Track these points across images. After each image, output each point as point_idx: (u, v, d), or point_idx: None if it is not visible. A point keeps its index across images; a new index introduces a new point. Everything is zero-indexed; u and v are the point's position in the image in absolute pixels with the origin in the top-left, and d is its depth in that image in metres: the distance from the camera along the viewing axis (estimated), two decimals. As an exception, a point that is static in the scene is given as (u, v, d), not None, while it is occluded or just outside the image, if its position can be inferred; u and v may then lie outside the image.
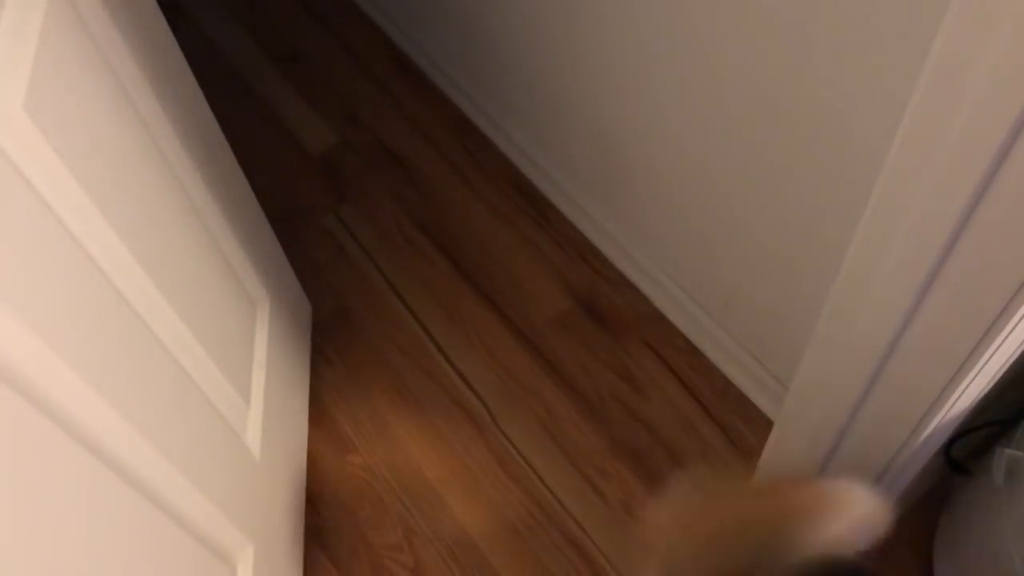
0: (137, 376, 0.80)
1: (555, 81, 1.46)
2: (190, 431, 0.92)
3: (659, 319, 1.55)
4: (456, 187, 1.76)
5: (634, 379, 1.49)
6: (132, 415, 0.77)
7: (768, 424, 1.41)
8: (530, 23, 1.42)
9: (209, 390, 0.99)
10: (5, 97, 0.64)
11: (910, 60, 0.79)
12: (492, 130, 1.80)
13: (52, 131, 0.68)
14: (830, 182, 1.01)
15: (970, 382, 0.78)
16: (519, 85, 1.59)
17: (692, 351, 1.51)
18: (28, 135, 0.65)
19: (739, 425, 1.43)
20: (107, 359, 0.74)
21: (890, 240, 0.68)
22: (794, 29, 0.91)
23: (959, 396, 0.80)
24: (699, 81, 1.12)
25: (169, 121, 0.96)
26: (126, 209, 0.81)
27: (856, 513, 0.75)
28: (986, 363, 0.74)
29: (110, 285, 0.76)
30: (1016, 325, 0.68)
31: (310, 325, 1.58)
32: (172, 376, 0.89)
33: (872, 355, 0.81)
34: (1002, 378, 0.84)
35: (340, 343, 1.57)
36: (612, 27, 1.23)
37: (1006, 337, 0.70)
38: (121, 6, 0.85)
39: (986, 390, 0.85)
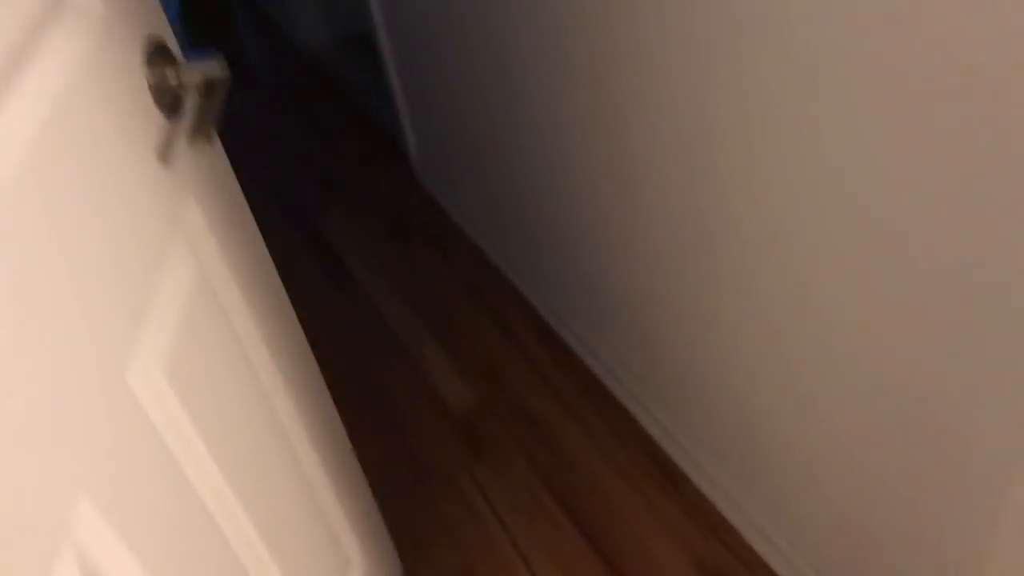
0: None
1: (703, 369, 1.48)
2: None
3: (798, 609, 1.44)
4: (590, 453, 1.76)
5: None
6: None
7: None
8: (677, 308, 1.47)
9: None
10: (152, 360, 0.71)
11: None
12: (629, 399, 1.81)
13: (187, 394, 0.75)
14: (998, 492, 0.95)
15: None
16: (660, 360, 1.62)
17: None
18: (167, 399, 0.72)
19: None
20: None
21: None
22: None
23: None
24: (847, 375, 1.11)
25: (286, 390, 1.03)
26: (239, 462, 0.86)
27: None
28: None
29: (217, 531, 0.80)
30: None
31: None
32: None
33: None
34: None
35: (460, 609, 1.54)
36: (754, 309, 1.25)
37: None
38: (252, 288, 0.95)
39: None
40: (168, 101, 0.76)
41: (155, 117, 0.74)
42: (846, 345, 1.07)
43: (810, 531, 1.37)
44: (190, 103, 0.76)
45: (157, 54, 0.74)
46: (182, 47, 0.83)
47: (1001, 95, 0.72)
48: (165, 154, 0.73)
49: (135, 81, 0.70)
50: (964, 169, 0.79)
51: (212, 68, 0.76)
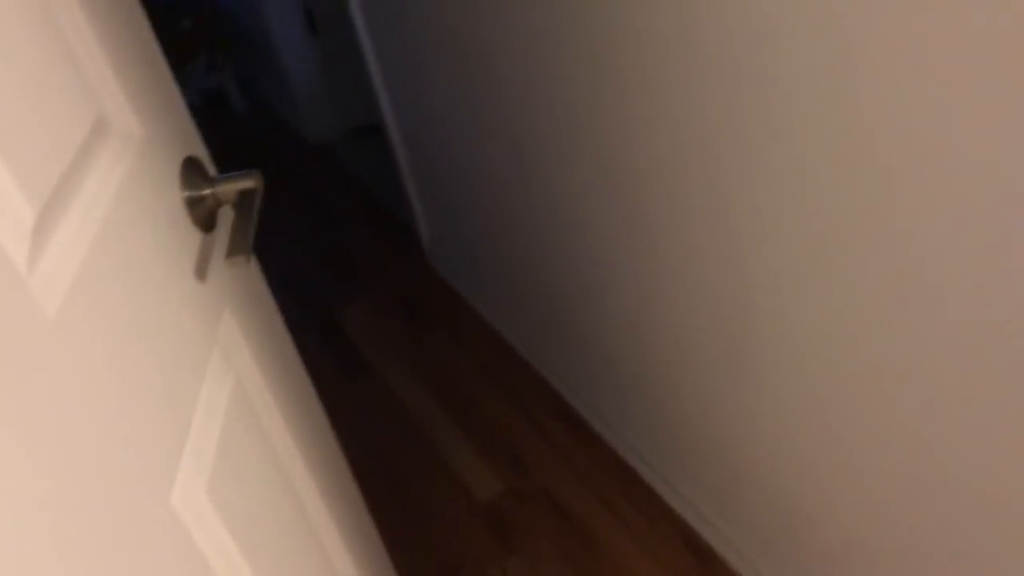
0: None
1: (729, 444, 1.46)
2: None
3: None
4: (623, 540, 1.72)
5: None
6: None
7: None
8: (700, 384, 1.45)
9: None
10: (194, 479, 0.70)
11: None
12: (659, 483, 1.78)
13: (227, 509, 0.73)
14: None
15: None
16: (688, 438, 1.59)
17: None
18: (208, 517, 0.71)
19: None
20: None
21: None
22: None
23: None
24: (883, 445, 1.09)
25: (320, 494, 1.01)
26: (277, 573, 0.84)
27: None
28: None
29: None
30: None
31: None
32: None
33: None
34: None
35: None
36: (782, 387, 1.24)
37: None
38: (285, 394, 0.94)
39: None
40: (204, 216, 0.76)
41: (192, 233, 0.74)
42: (879, 415, 1.05)
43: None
44: (225, 217, 0.77)
45: (193, 171, 0.75)
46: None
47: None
48: (202, 270, 0.73)
49: (172, 200, 0.71)
50: None
51: (247, 180, 0.76)
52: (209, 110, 3.90)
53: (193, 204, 0.75)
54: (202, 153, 0.81)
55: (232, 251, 0.71)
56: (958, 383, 0.91)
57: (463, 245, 2.31)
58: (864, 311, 0.99)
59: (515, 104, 1.58)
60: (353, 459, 2.03)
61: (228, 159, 2.71)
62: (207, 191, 0.76)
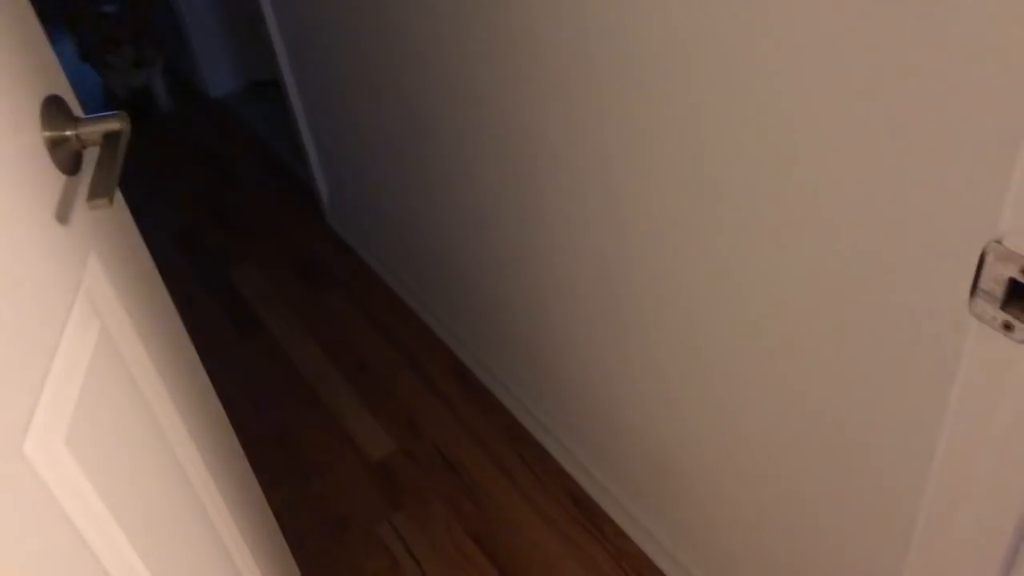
0: None
1: (611, 403, 1.49)
2: None
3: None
4: (511, 497, 1.75)
5: None
6: None
7: None
8: (584, 345, 1.48)
9: None
10: (51, 427, 0.68)
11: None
12: (549, 441, 1.81)
13: (88, 460, 0.71)
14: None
15: None
16: (576, 400, 1.62)
17: None
18: (66, 466, 0.69)
19: None
20: None
21: None
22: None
23: None
24: (754, 399, 1.13)
25: (195, 446, 1.00)
26: (144, 525, 0.83)
27: None
28: None
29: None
30: None
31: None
32: None
33: None
34: None
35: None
36: (661, 349, 1.27)
37: None
38: (157, 343, 0.92)
39: None
40: (67, 158, 0.73)
41: (53, 175, 0.71)
42: (754, 378, 1.09)
43: (740, 568, 1.38)
44: (90, 159, 0.74)
45: (55, 111, 0.72)
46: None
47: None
48: (64, 213, 0.71)
49: (31, 140, 0.68)
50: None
51: (112, 122, 0.74)
52: (133, 111, 3.34)
53: (55, 145, 0.72)
54: (67, 92, 0.78)
55: (94, 193, 0.68)
56: (830, 344, 0.95)
57: (360, 204, 2.28)
58: (743, 274, 1.03)
59: (407, 63, 1.56)
60: (244, 416, 2.00)
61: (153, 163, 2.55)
62: (70, 132, 0.73)
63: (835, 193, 0.84)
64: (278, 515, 1.36)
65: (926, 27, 0.66)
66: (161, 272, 1.02)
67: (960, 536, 0.81)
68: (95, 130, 0.73)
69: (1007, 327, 0.67)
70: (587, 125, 1.16)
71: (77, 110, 0.79)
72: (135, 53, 3.15)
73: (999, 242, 0.66)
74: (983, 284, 0.68)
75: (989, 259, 0.67)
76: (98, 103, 3.42)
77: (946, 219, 0.74)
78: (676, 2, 0.90)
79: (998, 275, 0.67)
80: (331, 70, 1.97)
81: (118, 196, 0.91)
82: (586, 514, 1.69)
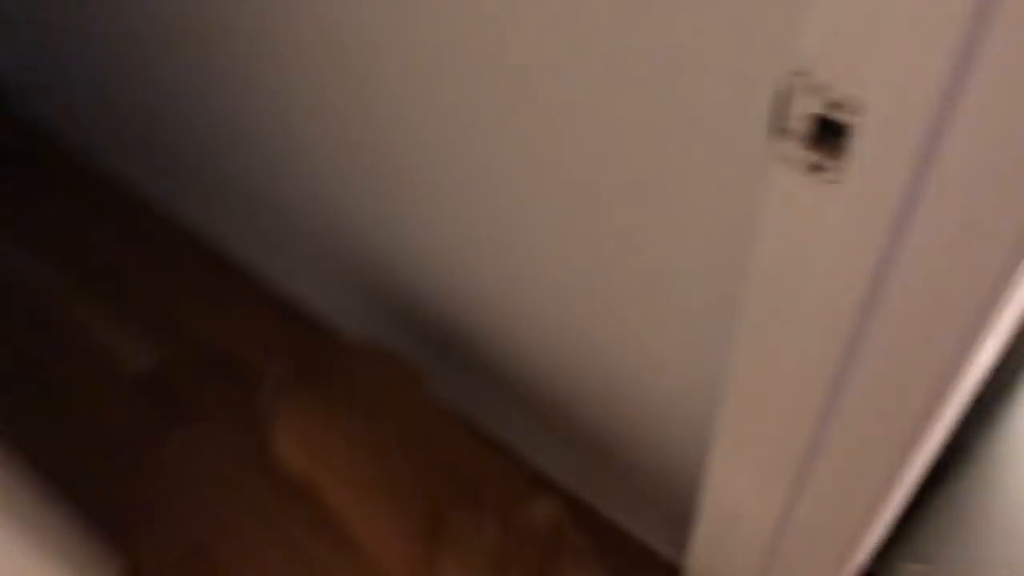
0: None
1: (393, 265, 1.37)
2: None
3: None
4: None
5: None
6: None
7: None
8: (355, 213, 1.33)
9: None
10: None
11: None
12: (326, 315, 1.69)
13: None
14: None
15: None
16: (340, 272, 1.49)
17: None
18: None
19: None
20: None
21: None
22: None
23: None
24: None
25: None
26: None
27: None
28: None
29: None
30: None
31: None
32: None
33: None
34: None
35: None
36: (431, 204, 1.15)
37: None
38: None
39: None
40: None
41: None
42: (552, 221, 1.01)
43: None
44: None
45: None
46: None
47: None
48: None
49: None
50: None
51: None
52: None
53: None
54: None
55: None
56: (627, 200, 0.86)
57: (54, 80, 1.92)
58: (532, 113, 0.91)
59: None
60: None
61: None
62: None
63: (612, 21, 0.72)
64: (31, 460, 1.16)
65: None
66: None
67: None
68: None
69: (817, 168, 0.60)
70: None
71: None
72: None
73: (800, 74, 0.57)
74: (785, 123, 0.60)
75: (791, 94, 0.58)
76: None
77: (739, 46, 0.64)
78: None
79: (801, 112, 0.58)
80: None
81: None
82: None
